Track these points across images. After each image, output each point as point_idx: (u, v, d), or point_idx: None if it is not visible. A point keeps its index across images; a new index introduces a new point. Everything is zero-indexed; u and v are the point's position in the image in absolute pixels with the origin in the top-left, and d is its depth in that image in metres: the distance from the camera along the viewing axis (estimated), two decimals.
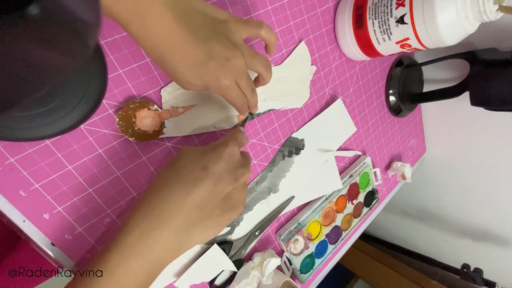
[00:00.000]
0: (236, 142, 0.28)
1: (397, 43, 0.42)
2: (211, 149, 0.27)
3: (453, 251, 0.99)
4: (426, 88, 0.66)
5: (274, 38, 0.30)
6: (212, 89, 0.28)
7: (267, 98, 0.42)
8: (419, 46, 0.41)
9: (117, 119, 0.30)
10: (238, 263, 0.42)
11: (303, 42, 0.44)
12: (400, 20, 0.39)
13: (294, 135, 0.47)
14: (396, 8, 0.39)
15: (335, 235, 0.55)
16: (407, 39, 0.41)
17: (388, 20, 0.41)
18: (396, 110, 0.62)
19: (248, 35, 0.29)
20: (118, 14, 0.21)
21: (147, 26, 0.22)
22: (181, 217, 0.24)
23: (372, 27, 0.43)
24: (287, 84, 0.43)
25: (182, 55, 0.24)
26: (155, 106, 0.32)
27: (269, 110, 0.43)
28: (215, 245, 0.39)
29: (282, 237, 0.47)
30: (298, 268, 0.50)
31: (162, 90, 0.33)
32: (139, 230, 0.24)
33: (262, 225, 0.45)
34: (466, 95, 0.53)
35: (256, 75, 0.32)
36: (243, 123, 0.37)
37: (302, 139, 0.48)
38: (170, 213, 0.24)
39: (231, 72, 0.27)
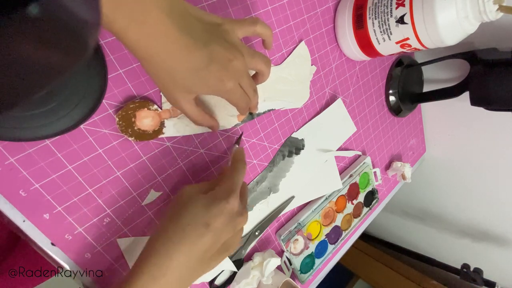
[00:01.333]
0: (237, 192, 0.30)
1: (397, 43, 0.42)
2: (213, 201, 0.28)
3: (453, 251, 0.99)
4: (426, 88, 0.66)
5: (269, 31, 0.31)
6: (216, 93, 0.28)
7: (267, 98, 0.42)
8: (419, 46, 0.41)
9: (117, 119, 0.30)
10: (238, 263, 0.42)
11: (303, 42, 0.44)
12: (400, 20, 0.39)
13: (294, 135, 0.47)
14: (396, 8, 0.39)
15: (335, 235, 0.55)
16: (407, 39, 0.41)
17: (388, 20, 0.41)
18: (396, 110, 0.62)
19: (245, 34, 0.29)
20: (113, 21, 0.19)
21: (146, 33, 0.21)
22: (184, 270, 0.26)
23: (372, 27, 0.43)
24: (287, 84, 0.43)
25: (183, 60, 0.24)
26: (155, 106, 0.32)
27: (269, 110, 0.43)
28: None
29: (282, 237, 0.47)
30: (298, 268, 0.50)
31: None
32: None
33: (262, 225, 0.45)
34: (466, 95, 0.53)
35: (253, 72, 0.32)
36: (238, 140, 0.38)
37: (302, 139, 0.48)
38: (175, 269, 0.26)
39: (234, 73, 0.27)
